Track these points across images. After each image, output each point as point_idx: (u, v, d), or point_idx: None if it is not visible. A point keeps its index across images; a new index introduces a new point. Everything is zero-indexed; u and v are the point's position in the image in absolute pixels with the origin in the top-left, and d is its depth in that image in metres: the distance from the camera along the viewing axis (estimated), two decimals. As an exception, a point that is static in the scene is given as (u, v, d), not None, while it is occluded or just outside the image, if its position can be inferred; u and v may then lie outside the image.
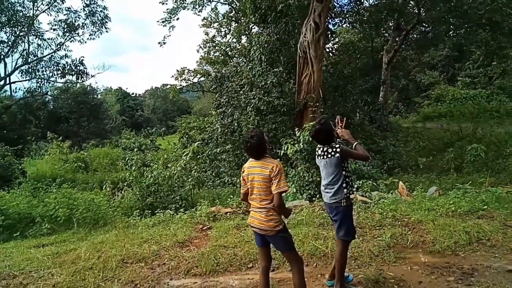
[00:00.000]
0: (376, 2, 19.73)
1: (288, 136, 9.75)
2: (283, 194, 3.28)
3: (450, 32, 19.47)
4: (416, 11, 19.18)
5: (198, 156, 13.37)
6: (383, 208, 5.88)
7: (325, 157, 3.50)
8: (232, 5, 26.60)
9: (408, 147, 15.32)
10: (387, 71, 20.97)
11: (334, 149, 3.45)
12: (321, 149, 3.55)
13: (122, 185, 10.99)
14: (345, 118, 3.86)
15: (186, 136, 21.23)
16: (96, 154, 23.99)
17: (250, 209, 3.42)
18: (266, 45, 13.49)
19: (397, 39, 20.79)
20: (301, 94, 12.29)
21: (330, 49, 19.15)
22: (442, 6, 15.80)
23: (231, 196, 8.32)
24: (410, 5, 19.75)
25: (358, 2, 18.75)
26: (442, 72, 32.34)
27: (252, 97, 12.11)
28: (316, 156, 3.65)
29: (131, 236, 5.94)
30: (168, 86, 33.95)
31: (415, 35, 22.14)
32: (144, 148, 24.15)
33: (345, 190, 3.47)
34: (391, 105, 30.02)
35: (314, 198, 7.90)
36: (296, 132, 9.12)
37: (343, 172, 3.47)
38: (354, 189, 3.69)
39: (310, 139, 8.54)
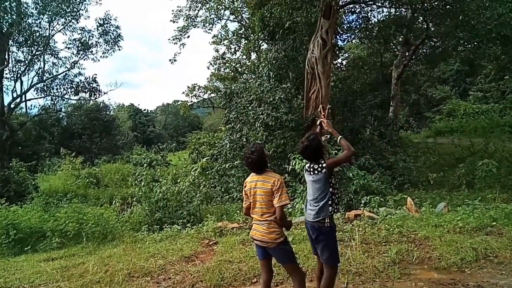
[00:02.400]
0: (384, 18, 19.89)
1: (296, 151, 9.78)
2: (284, 207, 3.29)
3: (460, 47, 19.43)
4: (425, 26, 19.25)
5: (207, 172, 13.47)
6: (390, 224, 5.84)
7: (311, 173, 3.45)
8: (242, 22, 27.08)
9: (419, 162, 15.15)
10: (397, 86, 20.96)
11: (320, 165, 3.40)
12: (308, 164, 3.51)
13: (132, 200, 11.11)
14: (327, 107, 3.86)
15: (196, 151, 21.39)
16: (107, 170, 24.31)
17: (252, 223, 3.48)
18: (274, 61, 13.69)
19: (406, 54, 20.83)
20: (309, 110, 12.36)
21: (339, 64, 19.31)
22: (450, 21, 15.82)
23: (238, 212, 8.35)
24: (419, 20, 19.83)
25: (365, 19, 18.89)
26: (454, 86, 32.17)
27: (260, 112, 12.21)
28: (305, 171, 3.60)
29: (138, 250, 6.00)
30: (179, 102, 34.51)
31: (424, 50, 22.14)
32: (154, 164, 24.35)
33: (330, 208, 3.38)
34: (402, 120, 29.88)
35: (321, 214, 7.87)
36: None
37: (330, 189, 3.40)
38: (340, 209, 3.60)
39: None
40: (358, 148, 13.85)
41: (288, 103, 12.50)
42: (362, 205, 7.75)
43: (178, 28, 19.65)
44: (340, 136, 3.54)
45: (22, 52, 19.59)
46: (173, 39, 19.91)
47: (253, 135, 12.03)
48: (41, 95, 20.45)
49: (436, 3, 16.05)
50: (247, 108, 13.09)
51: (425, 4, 16.14)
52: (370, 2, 17.48)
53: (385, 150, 15.21)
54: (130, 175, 20.15)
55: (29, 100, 20.88)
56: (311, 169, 3.45)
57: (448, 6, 15.57)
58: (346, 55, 25.09)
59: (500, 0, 13.89)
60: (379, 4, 17.86)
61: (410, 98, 30.75)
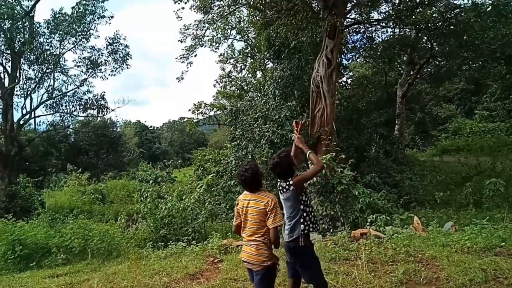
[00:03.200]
0: (388, 38, 20.13)
1: (302, 169, 9.78)
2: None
3: (465, 66, 19.55)
4: (429, 46, 19.45)
5: (212, 189, 13.46)
6: (397, 243, 5.77)
7: (282, 191, 3.40)
8: (248, 42, 27.52)
9: (425, 181, 15.05)
10: (402, 104, 21.06)
11: (288, 183, 3.35)
12: (279, 183, 3.45)
13: (137, 217, 11.12)
14: (301, 122, 3.83)
15: (201, 168, 21.41)
16: (113, 186, 24.41)
17: (242, 243, 3.38)
18: (280, 80, 13.87)
19: (411, 73, 21.00)
20: (314, 128, 12.41)
21: (344, 83, 19.45)
22: (454, 41, 15.99)
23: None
24: (423, 40, 20.05)
25: (370, 38, 19.14)
26: (459, 105, 32.20)
27: (266, 130, 12.29)
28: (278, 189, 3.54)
29: (143, 267, 5.98)
30: (185, 119, 34.76)
31: (429, 69, 22.30)
32: (160, 180, 24.47)
33: (302, 225, 3.30)
34: (408, 138, 29.83)
35: (327, 232, 7.83)
36: (309, 165, 9.14)
37: (301, 207, 3.34)
38: (318, 227, 3.47)
39: (324, 171, 8.57)
40: (364, 166, 13.84)
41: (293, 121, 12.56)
42: (368, 223, 7.68)
43: (185, 47, 20.02)
44: (310, 151, 3.55)
45: (33, 70, 20.00)
46: (181, 58, 20.21)
47: (258, 152, 12.06)
48: (50, 111, 20.74)
49: (440, 23, 16.28)
50: (253, 125, 13.19)
51: (429, 25, 16.37)
52: (375, 23, 17.75)
53: (391, 168, 15.17)
54: (136, 191, 20.20)
55: (38, 116, 21.17)
56: (281, 187, 3.40)
57: (452, 27, 15.78)
58: (351, 73, 25.33)
59: (504, 21, 14.07)
60: (383, 25, 18.15)
61: (416, 117, 30.79)
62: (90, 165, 34.34)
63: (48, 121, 22.42)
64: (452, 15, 15.68)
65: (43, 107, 20.41)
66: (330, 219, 8.44)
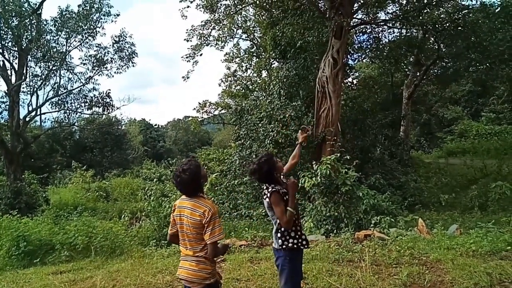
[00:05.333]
0: (395, 39, 20.01)
1: (306, 169, 9.74)
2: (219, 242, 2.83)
3: (472, 68, 19.40)
4: (436, 47, 19.29)
5: (216, 188, 13.48)
6: (401, 246, 5.73)
7: (263, 196, 3.20)
8: (254, 41, 27.48)
9: (430, 183, 14.97)
10: (408, 105, 20.92)
11: (266, 194, 3.12)
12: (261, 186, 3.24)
13: (141, 215, 11.15)
14: (308, 129, 3.69)
15: (205, 167, 21.45)
16: (117, 184, 24.49)
17: (180, 258, 2.98)
18: (285, 79, 13.82)
19: (417, 74, 20.84)
20: (319, 128, 12.37)
21: (349, 83, 19.35)
22: (462, 42, 15.85)
23: (247, 229, 8.29)
24: (430, 41, 19.89)
25: (376, 39, 19.02)
26: (465, 107, 31.99)
27: (270, 130, 12.27)
28: None
29: (146, 266, 5.99)
30: (190, 118, 34.78)
31: (435, 70, 22.13)
32: (164, 179, 24.47)
33: (279, 240, 3.13)
34: (413, 140, 29.66)
35: (331, 234, 7.80)
36: (314, 166, 9.11)
37: (278, 221, 3.13)
38: (301, 241, 3.17)
39: (328, 172, 8.53)
40: (368, 167, 13.78)
41: (298, 121, 12.53)
42: (372, 225, 7.65)
43: (191, 46, 20.03)
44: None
45: (39, 67, 20.11)
46: (187, 57, 20.23)
47: (262, 152, 12.05)
48: (55, 109, 20.85)
49: (447, 24, 16.12)
50: (257, 125, 13.17)
51: (437, 26, 16.22)
52: (381, 23, 17.64)
53: (396, 170, 15.08)
54: (140, 189, 20.29)
55: (44, 113, 21.28)
56: (263, 193, 3.19)
57: (459, 28, 15.62)
58: (357, 74, 25.19)
59: (512, 22, 13.94)
60: (390, 25, 18.03)
61: (421, 118, 30.60)
62: (94, 163, 34.52)
63: (53, 118, 22.58)
64: (460, 16, 15.52)
65: (49, 104, 20.54)
66: (334, 220, 8.41)
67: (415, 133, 31.58)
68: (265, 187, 3.18)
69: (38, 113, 20.56)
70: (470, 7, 15.64)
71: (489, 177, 13.92)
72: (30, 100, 19.43)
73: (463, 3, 16.26)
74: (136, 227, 10.40)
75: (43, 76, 19.90)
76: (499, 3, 15.45)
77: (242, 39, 27.94)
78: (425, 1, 15.44)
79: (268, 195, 3.08)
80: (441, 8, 16.40)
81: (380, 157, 15.52)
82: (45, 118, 22.55)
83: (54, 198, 19.60)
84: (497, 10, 14.93)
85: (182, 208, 2.82)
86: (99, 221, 9.09)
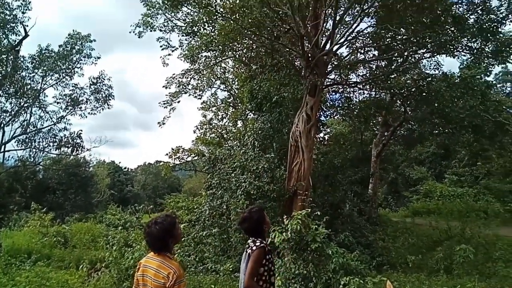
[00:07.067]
0: (365, 99, 21.14)
1: (276, 223, 9.61)
2: None
3: (435, 131, 20.56)
4: (403, 110, 20.47)
5: (183, 239, 12.97)
6: (370, 309, 5.61)
7: (246, 249, 3.15)
8: (231, 92, 28.19)
9: (397, 243, 15.06)
10: (376, 164, 21.60)
11: (253, 245, 3.05)
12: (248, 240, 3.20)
13: (100, 265, 10.43)
14: None
15: (174, 215, 20.76)
16: (77, 229, 22.97)
17: None
18: (260, 131, 14.07)
19: (385, 134, 21.81)
20: (291, 181, 12.46)
21: (321, 139, 19.94)
22: (426, 108, 16.93)
23: (213, 286, 7.91)
24: (397, 104, 21.12)
25: (347, 99, 20.04)
26: (430, 168, 33.36)
27: (243, 180, 12.21)
28: None
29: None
30: (161, 163, 34.26)
31: (402, 132, 23.29)
32: (128, 226, 23.33)
33: None
34: (381, 197, 30.27)
35: (299, 293, 7.56)
36: (285, 220, 9.01)
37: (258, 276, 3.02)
38: None
39: (299, 228, 8.43)
40: (338, 223, 13.80)
41: (271, 173, 12.60)
42: (341, 286, 7.50)
43: (169, 93, 20.29)
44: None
45: (10, 103, 19.71)
46: (164, 103, 20.39)
47: (234, 202, 11.88)
48: (21, 146, 20.11)
49: (413, 90, 17.32)
50: (230, 175, 13.11)
51: (403, 90, 17.39)
52: (353, 85, 18.72)
53: (364, 228, 15.18)
54: (102, 236, 19.16)
55: (8, 151, 20.46)
56: (247, 245, 3.14)
57: (424, 94, 16.80)
58: (328, 130, 26.03)
59: (471, 93, 15.11)
60: (361, 87, 19.16)
61: (389, 176, 31.53)
62: (56, 205, 32.62)
63: (18, 157, 21.66)
64: (425, 83, 16.74)
65: (15, 142, 19.84)
66: (303, 279, 8.18)
67: (383, 191, 32.32)
68: (251, 240, 3.11)
69: (2, 150, 19.74)
70: (434, 75, 16.95)
71: (453, 239, 14.21)
72: (-5, 136, 18.76)
73: (427, 71, 17.63)
74: (93, 279, 9.68)
75: (13, 112, 19.41)
76: (458, 75, 16.85)
77: (220, 89, 28.67)
78: (393, 67, 16.63)
79: (254, 247, 3.02)
80: (407, 75, 17.65)
81: (350, 214, 15.62)
82: (8, 156, 21.58)
83: (7, 243, 18.08)
84: (457, 81, 16.21)
85: (146, 268, 2.70)
86: (54, 271, 8.42)
